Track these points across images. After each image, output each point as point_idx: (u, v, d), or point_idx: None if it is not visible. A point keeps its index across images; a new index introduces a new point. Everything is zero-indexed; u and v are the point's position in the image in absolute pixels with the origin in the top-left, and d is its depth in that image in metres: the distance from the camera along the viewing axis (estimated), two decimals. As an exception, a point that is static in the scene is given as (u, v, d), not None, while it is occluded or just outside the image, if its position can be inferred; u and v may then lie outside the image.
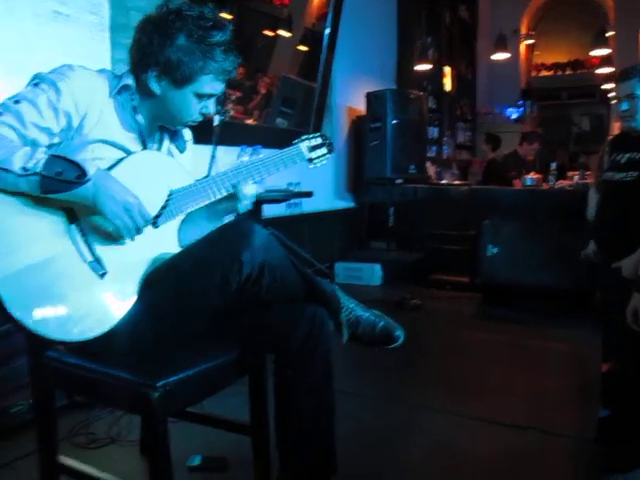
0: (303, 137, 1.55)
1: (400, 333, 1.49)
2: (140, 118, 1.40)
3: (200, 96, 1.37)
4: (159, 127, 1.49)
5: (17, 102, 1.23)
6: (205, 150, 2.30)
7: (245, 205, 1.44)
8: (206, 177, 1.45)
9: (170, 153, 1.54)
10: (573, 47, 9.05)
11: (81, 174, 1.18)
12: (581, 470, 1.85)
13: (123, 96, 1.38)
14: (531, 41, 9.17)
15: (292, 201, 4.05)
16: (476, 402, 2.31)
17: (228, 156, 2.78)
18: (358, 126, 5.28)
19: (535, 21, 9.22)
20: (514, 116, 8.62)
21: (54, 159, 1.18)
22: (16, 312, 1.16)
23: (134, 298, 1.31)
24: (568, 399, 2.36)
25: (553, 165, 5.02)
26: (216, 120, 2.41)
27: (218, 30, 1.33)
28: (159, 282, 1.31)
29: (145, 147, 1.43)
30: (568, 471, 1.84)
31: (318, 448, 1.40)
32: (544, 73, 9.41)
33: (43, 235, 1.23)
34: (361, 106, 5.09)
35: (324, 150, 1.57)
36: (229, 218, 1.52)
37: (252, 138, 3.01)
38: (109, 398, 1.37)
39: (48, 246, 1.23)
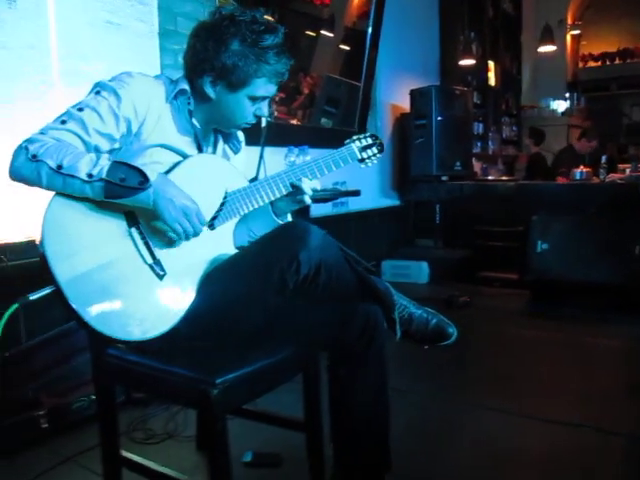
0: (354, 137, 1.57)
1: (453, 330, 1.48)
2: (196, 122, 1.43)
3: (254, 99, 1.41)
4: (213, 129, 1.53)
5: (80, 110, 1.28)
6: (253, 151, 2.34)
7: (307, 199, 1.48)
8: (257, 178, 1.49)
9: (225, 154, 1.58)
10: (622, 36, 8.76)
11: (143, 180, 1.22)
12: (635, 469, 1.81)
13: (179, 100, 1.41)
14: (577, 31, 8.90)
15: (338, 200, 4.07)
16: (527, 400, 2.28)
17: (275, 157, 2.83)
18: (402, 124, 5.25)
19: (581, 10, 8.95)
20: (561, 109, 8.40)
21: (117, 165, 1.22)
22: (82, 313, 1.20)
23: (192, 298, 1.34)
24: (621, 397, 2.30)
25: (603, 158, 4.88)
26: (263, 122, 2.45)
27: (270, 33, 1.37)
28: (217, 283, 1.34)
29: (201, 150, 1.47)
30: (622, 469, 1.80)
31: (373, 445, 1.41)
32: (592, 64, 9.14)
33: (105, 238, 1.28)
34: (405, 103, 5.06)
35: (375, 150, 1.58)
36: (282, 220, 1.55)
37: (298, 138, 3.04)
38: (168, 395, 1.41)
39: (110, 248, 1.28)
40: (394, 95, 5.16)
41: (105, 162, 1.22)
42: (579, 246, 3.69)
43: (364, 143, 1.56)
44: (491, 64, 7.13)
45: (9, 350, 2.02)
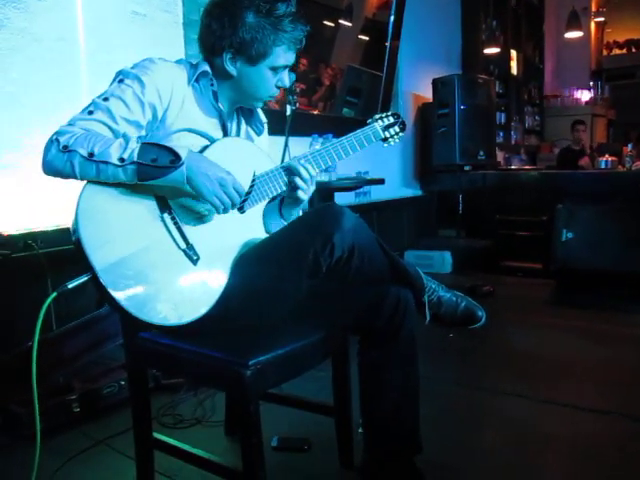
0: (376, 116, 1.57)
1: (482, 313, 1.48)
2: (220, 103, 1.43)
3: (275, 69, 1.40)
4: (236, 110, 1.53)
5: (106, 99, 1.29)
6: (278, 141, 2.35)
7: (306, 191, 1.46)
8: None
9: (248, 136, 1.58)
10: (648, 22, 8.60)
11: (174, 158, 1.22)
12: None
13: (202, 83, 1.41)
14: (601, 19, 8.75)
15: (361, 190, 4.06)
16: (554, 387, 2.26)
17: (299, 146, 2.84)
18: (424, 113, 5.23)
19: (606, -3, 8.81)
20: (585, 99, 8.27)
21: (147, 146, 1.23)
22: (119, 299, 1.21)
23: (225, 281, 1.34)
24: (651, 384, 2.28)
25: (629, 146, 4.81)
26: (288, 110, 2.46)
27: (283, 2, 1.37)
28: (250, 265, 1.35)
29: (225, 132, 1.47)
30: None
31: (403, 428, 1.41)
32: (616, 51, 8.97)
33: (139, 224, 1.28)
34: (427, 93, 5.03)
35: (397, 129, 1.58)
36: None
37: (321, 128, 3.04)
38: (201, 377, 1.42)
39: (144, 234, 1.28)
40: (416, 84, 5.13)
41: (135, 145, 1.22)
42: (605, 235, 3.65)
43: (386, 122, 1.56)
44: (513, 53, 7.05)
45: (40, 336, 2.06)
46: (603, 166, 4.86)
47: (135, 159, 1.20)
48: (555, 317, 3.29)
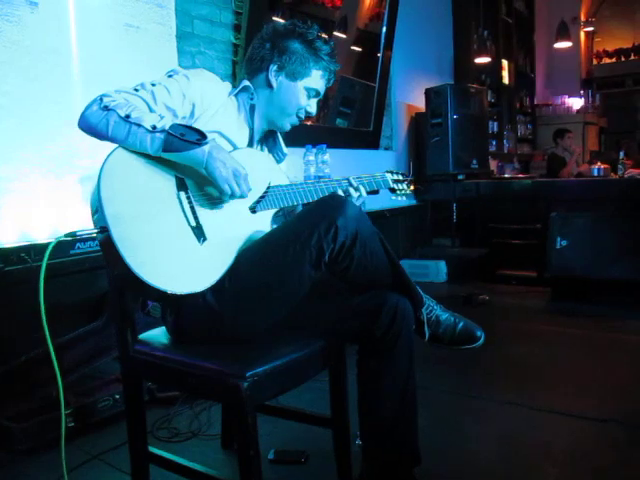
0: (387, 170, 1.75)
1: (481, 333, 1.49)
2: (255, 119, 1.57)
3: (308, 90, 1.58)
4: (261, 139, 1.65)
5: (153, 85, 1.41)
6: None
7: None
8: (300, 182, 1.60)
9: None
10: (637, 31, 8.67)
11: (201, 138, 1.31)
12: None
13: (241, 97, 1.57)
14: (591, 28, 8.84)
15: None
16: (552, 395, 2.26)
17: (294, 156, 2.83)
18: (418, 123, 5.25)
19: (595, 7, 8.89)
20: (576, 107, 8.34)
21: (178, 125, 1.32)
22: (123, 252, 1.24)
23: (228, 266, 1.37)
24: (648, 392, 2.28)
25: (621, 154, 4.85)
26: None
27: (323, 41, 1.60)
28: (255, 252, 1.38)
29: (251, 145, 1.59)
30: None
31: (402, 439, 1.40)
32: (606, 60, 9.05)
33: (156, 195, 1.35)
34: (420, 103, 5.05)
35: (404, 185, 1.77)
36: None
37: (315, 138, 3.04)
38: (198, 389, 1.40)
39: (159, 205, 1.34)
40: (409, 94, 5.16)
41: (168, 121, 1.32)
42: (599, 242, 3.66)
43: (396, 177, 1.74)
44: (505, 63, 7.10)
45: (35, 350, 2.04)
46: (596, 173, 4.88)
47: (166, 129, 1.29)
48: (551, 325, 3.29)
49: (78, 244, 2.18)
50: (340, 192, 1.57)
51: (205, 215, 1.39)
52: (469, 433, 2.01)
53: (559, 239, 3.75)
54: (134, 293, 1.53)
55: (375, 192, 1.68)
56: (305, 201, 1.54)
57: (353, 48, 4.48)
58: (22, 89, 2.16)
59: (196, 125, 1.41)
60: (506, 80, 7.15)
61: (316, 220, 1.33)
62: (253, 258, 1.37)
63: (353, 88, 4.43)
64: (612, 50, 8.97)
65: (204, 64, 3.00)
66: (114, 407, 2.11)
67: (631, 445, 1.86)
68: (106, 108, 1.29)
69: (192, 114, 1.45)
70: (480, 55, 6.22)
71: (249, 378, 1.24)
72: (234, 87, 1.57)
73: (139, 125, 1.28)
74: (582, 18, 8.73)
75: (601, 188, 4.46)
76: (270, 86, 1.57)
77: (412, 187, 1.78)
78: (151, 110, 1.37)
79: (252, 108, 1.57)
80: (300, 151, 2.96)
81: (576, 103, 8.36)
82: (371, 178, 1.66)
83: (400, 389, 1.38)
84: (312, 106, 1.61)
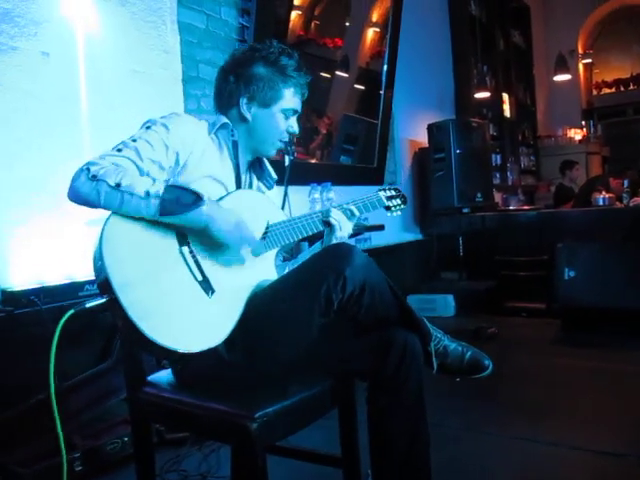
0: (379, 188, 1.72)
1: (489, 362, 1.47)
2: (238, 155, 1.55)
3: (285, 112, 1.55)
4: (248, 168, 1.63)
5: (134, 140, 1.38)
6: (277, 190, 2.39)
7: (339, 237, 1.55)
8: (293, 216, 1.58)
9: (260, 190, 1.67)
10: (635, 61, 8.80)
11: (196, 199, 1.30)
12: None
13: (221, 135, 1.54)
14: (589, 60, 8.98)
15: (362, 236, 4.08)
16: (566, 430, 2.22)
17: (299, 195, 2.87)
18: (421, 158, 5.30)
19: (592, 39, 9.05)
20: (578, 137, 8.40)
21: (172, 187, 1.32)
22: (134, 318, 1.23)
23: (239, 316, 1.36)
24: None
25: (625, 183, 4.87)
26: (286, 160, 2.51)
27: (286, 55, 1.55)
28: (264, 302, 1.38)
29: (239, 184, 1.57)
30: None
31: (416, 477, 1.38)
32: (606, 91, 9.17)
33: (158, 254, 1.33)
34: (422, 138, 5.11)
35: (399, 201, 1.74)
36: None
37: (320, 176, 3.08)
38: (207, 431, 1.40)
39: (163, 264, 1.33)
40: (411, 130, 5.22)
41: (161, 185, 1.31)
42: (608, 272, 3.64)
43: (389, 194, 1.72)
44: (505, 96, 7.20)
45: (43, 393, 2.03)
46: (601, 203, 4.89)
47: (160, 194, 1.27)
48: (562, 357, 3.26)
49: (87, 285, 2.20)
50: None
51: (210, 267, 1.38)
52: (484, 471, 1.98)
53: (567, 270, 3.74)
54: (147, 354, 1.50)
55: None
56: (305, 235, 1.53)
57: (355, 86, 4.56)
58: (34, 136, 2.21)
59: (186, 172, 1.42)
60: (507, 113, 7.24)
61: (324, 271, 1.32)
62: (262, 310, 1.36)
63: (356, 125, 4.49)
64: (611, 81, 9.09)
65: (210, 107, 3.06)
66: (123, 450, 2.09)
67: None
68: (94, 178, 1.27)
69: (177, 162, 1.43)
70: (480, 90, 6.32)
71: (258, 419, 1.23)
72: (212, 124, 1.54)
73: (132, 194, 1.26)
74: (580, 50, 8.88)
75: (607, 217, 4.46)
76: (245, 120, 1.55)
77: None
78: (139, 168, 1.35)
79: (235, 144, 1.55)
80: (305, 189, 2.99)
81: (578, 133, 8.42)
82: (365, 200, 1.64)
83: (411, 427, 1.36)
84: (293, 126, 1.58)
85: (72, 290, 2.13)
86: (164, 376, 1.51)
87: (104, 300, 1.28)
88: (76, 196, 1.30)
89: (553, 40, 8.64)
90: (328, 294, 1.30)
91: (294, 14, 3.67)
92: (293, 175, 2.48)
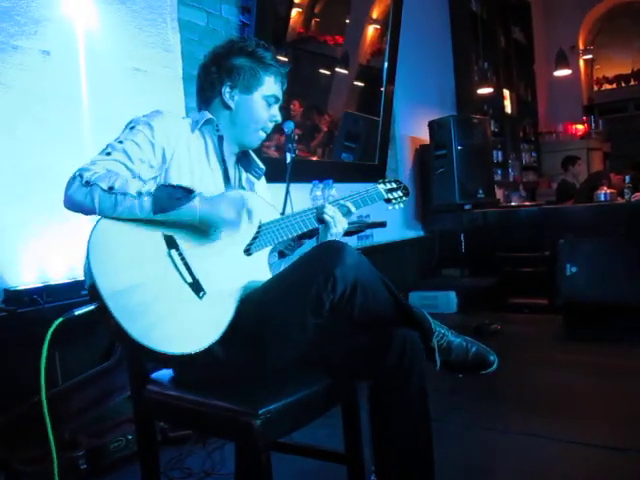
0: (379, 181, 1.71)
1: (494, 358, 1.44)
2: (225, 147, 1.55)
3: (267, 98, 1.56)
4: (235, 162, 1.64)
5: (121, 142, 1.39)
6: (279, 188, 2.38)
7: (334, 233, 1.53)
8: (284, 213, 1.58)
9: (249, 181, 1.67)
10: (635, 57, 8.79)
11: (187, 193, 1.32)
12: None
13: (207, 129, 1.53)
14: (589, 56, 8.97)
15: (363, 233, 4.08)
16: (569, 425, 2.22)
17: (301, 192, 2.87)
18: (422, 155, 5.29)
19: (592, 35, 9.04)
20: (579, 133, 8.40)
21: (162, 185, 1.34)
22: (125, 325, 1.22)
23: (230, 318, 1.35)
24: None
25: (627, 178, 4.86)
26: (288, 158, 2.51)
27: (262, 48, 1.57)
28: (254, 303, 1.36)
29: (228, 178, 1.56)
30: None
31: (419, 474, 1.37)
32: (607, 86, 9.16)
33: (147, 258, 1.33)
34: (424, 135, 5.11)
35: (400, 193, 1.73)
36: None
37: (321, 174, 3.08)
38: (210, 428, 1.40)
39: (151, 267, 1.32)
40: (412, 127, 5.22)
41: (151, 185, 1.33)
42: (610, 267, 3.64)
43: (389, 186, 1.70)
44: (506, 92, 7.19)
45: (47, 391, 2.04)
46: (602, 198, 4.88)
47: (152, 192, 1.29)
48: (565, 353, 3.26)
49: (89, 285, 2.20)
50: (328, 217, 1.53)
51: (200, 267, 1.37)
52: (487, 466, 1.98)
53: (569, 266, 3.74)
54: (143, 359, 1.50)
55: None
56: (299, 232, 1.51)
57: (356, 83, 4.56)
58: (35, 135, 2.21)
59: (174, 168, 1.43)
60: (508, 109, 7.23)
61: (313, 271, 1.31)
62: (255, 311, 1.34)
63: (357, 123, 4.49)
64: (612, 76, 9.08)
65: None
66: (126, 448, 2.10)
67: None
68: (88, 184, 1.28)
69: (164, 158, 1.43)
70: (481, 86, 6.31)
71: (262, 416, 1.23)
72: (195, 122, 1.53)
73: (124, 194, 1.27)
74: (580, 46, 8.87)
75: (609, 213, 4.46)
76: (228, 107, 1.54)
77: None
78: (130, 170, 1.36)
79: (220, 139, 1.54)
80: (307, 187, 2.99)
81: (579, 129, 8.41)
82: (364, 194, 1.62)
83: (413, 423, 1.35)
84: (276, 115, 1.58)
85: (75, 289, 2.13)
86: (167, 373, 1.51)
87: (93, 307, 1.27)
88: (71, 203, 1.31)
89: (554, 36, 8.64)
90: (318, 294, 1.28)
91: (294, 11, 3.67)
92: (295, 173, 2.48)
